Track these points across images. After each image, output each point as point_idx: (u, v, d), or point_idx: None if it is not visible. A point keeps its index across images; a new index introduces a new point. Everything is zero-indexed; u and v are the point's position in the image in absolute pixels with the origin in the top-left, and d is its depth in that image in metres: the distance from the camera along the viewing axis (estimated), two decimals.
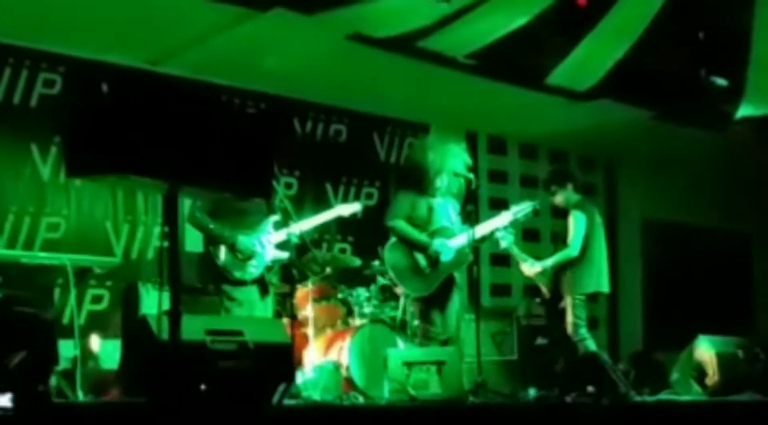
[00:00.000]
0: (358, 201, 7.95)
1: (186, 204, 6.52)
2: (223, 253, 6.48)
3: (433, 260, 6.78)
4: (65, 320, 6.62)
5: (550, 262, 7.30)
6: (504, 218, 7.07)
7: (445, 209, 6.98)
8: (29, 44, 7.55)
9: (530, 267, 7.36)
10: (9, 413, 4.33)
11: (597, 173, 11.36)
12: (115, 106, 3.72)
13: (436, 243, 6.77)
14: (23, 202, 7.50)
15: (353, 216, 7.32)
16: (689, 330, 8.13)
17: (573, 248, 7.22)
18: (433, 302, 6.81)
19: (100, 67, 7.70)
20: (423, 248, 6.78)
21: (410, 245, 6.83)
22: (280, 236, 6.64)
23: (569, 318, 7.15)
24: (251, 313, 6.46)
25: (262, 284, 6.61)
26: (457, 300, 6.93)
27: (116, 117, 3.66)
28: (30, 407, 4.45)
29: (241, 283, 6.50)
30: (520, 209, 7.11)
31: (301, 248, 7.00)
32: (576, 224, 7.28)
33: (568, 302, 7.17)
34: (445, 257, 6.79)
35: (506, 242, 7.15)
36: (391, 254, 6.89)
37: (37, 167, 7.60)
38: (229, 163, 3.93)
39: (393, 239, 6.92)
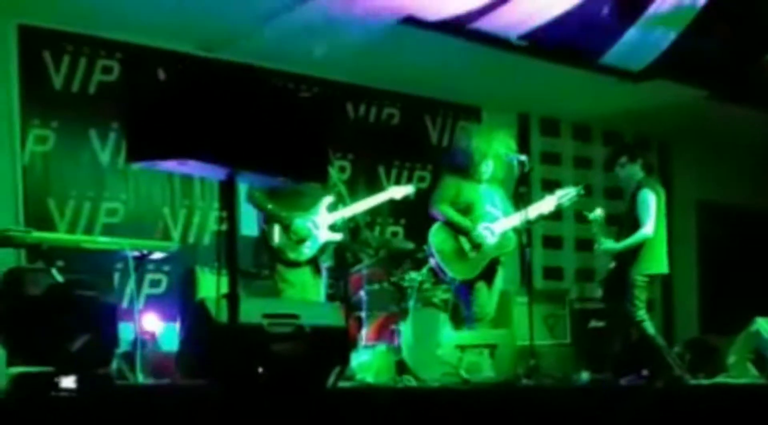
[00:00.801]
0: (410, 184, 7.96)
1: (242, 188, 6.59)
2: (277, 235, 6.55)
3: (477, 244, 6.83)
4: (125, 303, 6.75)
5: (625, 244, 7.08)
6: (549, 203, 7.05)
7: (490, 194, 7.02)
8: (87, 31, 7.65)
9: (606, 248, 7.19)
10: (74, 394, 4.43)
11: (651, 153, 11.22)
12: (174, 91, 3.78)
13: (480, 228, 6.80)
14: (83, 187, 7.62)
15: (406, 199, 7.33)
16: (745, 313, 8.03)
17: (648, 229, 7.00)
18: (479, 283, 6.86)
19: (157, 53, 7.81)
20: (466, 233, 6.85)
21: (455, 229, 6.88)
22: (334, 217, 6.71)
23: (629, 299, 7.02)
24: (304, 294, 6.54)
25: (315, 265, 6.69)
26: (501, 278, 6.98)
27: (175, 103, 3.70)
28: (93, 389, 4.55)
29: (295, 264, 6.58)
30: (565, 194, 7.09)
31: (354, 231, 7.05)
32: (646, 203, 7.06)
33: (629, 283, 7.02)
34: (489, 241, 6.82)
35: (596, 216, 7.11)
36: (436, 237, 6.95)
37: (96, 153, 7.70)
38: (285, 147, 3.96)
39: (438, 223, 6.98)
